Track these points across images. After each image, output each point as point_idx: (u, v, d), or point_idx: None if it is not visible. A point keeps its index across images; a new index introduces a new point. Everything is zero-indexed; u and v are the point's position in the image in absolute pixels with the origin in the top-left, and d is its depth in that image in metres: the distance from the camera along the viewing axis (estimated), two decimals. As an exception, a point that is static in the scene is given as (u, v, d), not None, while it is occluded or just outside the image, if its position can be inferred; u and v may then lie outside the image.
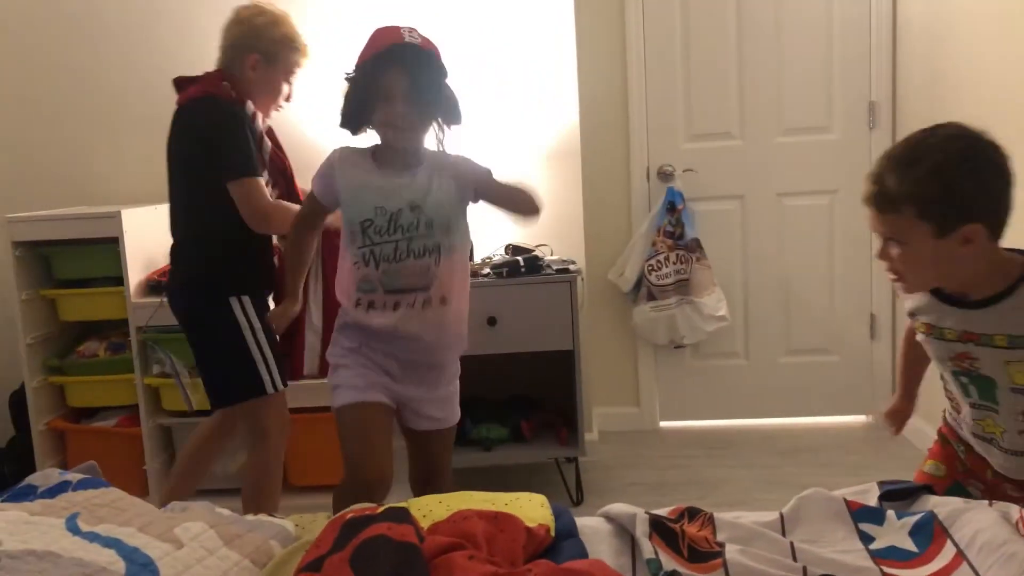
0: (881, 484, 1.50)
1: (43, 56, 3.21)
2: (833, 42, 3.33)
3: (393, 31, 1.83)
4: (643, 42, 3.36)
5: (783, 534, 1.38)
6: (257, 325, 2.20)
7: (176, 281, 2.29)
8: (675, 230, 3.33)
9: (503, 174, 1.92)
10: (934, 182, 1.35)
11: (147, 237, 2.92)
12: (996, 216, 1.38)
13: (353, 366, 1.92)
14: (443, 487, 1.98)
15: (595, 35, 3.34)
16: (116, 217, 2.78)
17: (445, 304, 1.89)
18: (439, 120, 1.89)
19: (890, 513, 1.39)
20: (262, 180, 2.16)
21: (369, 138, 1.93)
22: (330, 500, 1.88)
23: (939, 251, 1.38)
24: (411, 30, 1.83)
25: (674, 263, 3.31)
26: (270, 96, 2.27)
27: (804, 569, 1.22)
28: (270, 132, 2.32)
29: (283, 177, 2.35)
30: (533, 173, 3.18)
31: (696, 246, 3.35)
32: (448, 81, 1.88)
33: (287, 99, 2.32)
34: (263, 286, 2.30)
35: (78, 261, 2.94)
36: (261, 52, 2.21)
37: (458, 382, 2.05)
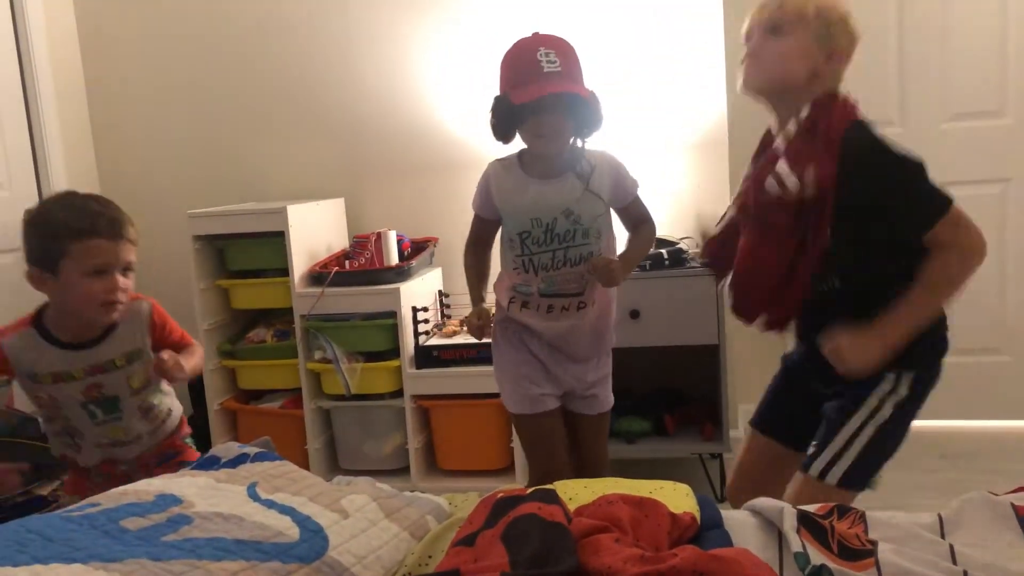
0: (1053, 489, 1.41)
1: (216, 64, 3.47)
2: (1008, 18, 3.10)
3: (530, 59, 1.77)
4: (794, 28, 3.25)
5: (942, 537, 1.33)
6: None
7: None
8: (826, 222, 3.20)
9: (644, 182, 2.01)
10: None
11: (310, 231, 3.12)
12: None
13: (516, 364, 2.01)
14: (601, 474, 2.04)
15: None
16: (282, 212, 2.97)
17: (597, 306, 1.99)
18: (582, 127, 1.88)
19: (1063, 520, 1.30)
20: None
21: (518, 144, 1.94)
22: (474, 483, 1.97)
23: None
24: (548, 52, 1.76)
25: (825, 256, 3.19)
26: None
27: (965, 573, 1.17)
28: None
29: None
30: (678, 164, 3.16)
31: (850, 238, 3.21)
32: (590, 90, 1.83)
33: None
34: None
35: (248, 253, 3.16)
36: None
37: (610, 368, 2.12)
